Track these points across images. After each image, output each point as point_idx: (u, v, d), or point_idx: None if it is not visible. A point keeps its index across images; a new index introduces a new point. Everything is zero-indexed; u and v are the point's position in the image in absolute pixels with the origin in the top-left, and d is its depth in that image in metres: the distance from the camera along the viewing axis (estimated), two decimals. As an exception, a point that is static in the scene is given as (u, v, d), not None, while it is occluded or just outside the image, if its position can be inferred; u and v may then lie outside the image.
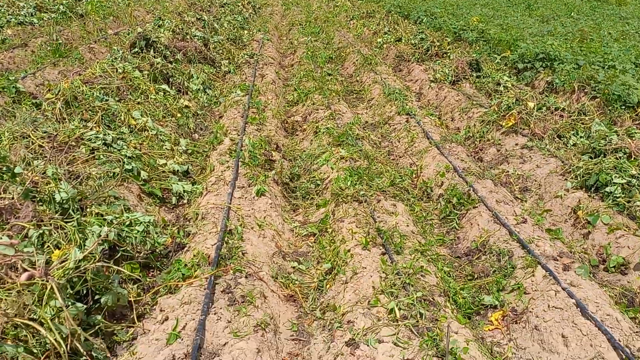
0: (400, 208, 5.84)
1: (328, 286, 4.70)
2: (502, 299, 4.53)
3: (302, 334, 4.21)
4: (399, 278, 4.28)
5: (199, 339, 3.45)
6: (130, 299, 4.21)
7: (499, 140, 7.94)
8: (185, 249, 5.02)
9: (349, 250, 4.86)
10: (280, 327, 4.19)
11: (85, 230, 4.37)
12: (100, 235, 4.28)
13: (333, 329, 4.02)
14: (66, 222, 4.35)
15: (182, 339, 3.49)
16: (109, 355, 3.76)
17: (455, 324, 3.87)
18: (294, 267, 5.10)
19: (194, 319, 3.68)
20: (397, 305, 3.89)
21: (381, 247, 4.93)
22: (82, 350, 3.40)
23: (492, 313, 4.47)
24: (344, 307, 4.18)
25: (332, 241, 5.23)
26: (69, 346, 3.31)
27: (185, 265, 4.46)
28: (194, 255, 4.61)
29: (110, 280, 4.08)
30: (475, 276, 4.94)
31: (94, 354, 3.63)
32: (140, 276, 4.56)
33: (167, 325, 3.66)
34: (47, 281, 3.41)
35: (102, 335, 3.93)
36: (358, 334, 3.71)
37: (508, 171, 7.08)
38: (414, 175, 7.12)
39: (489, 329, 4.32)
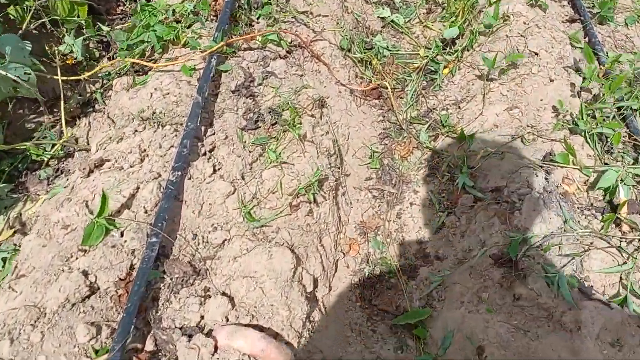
0: None
1: (446, 73, 2.41)
2: None
3: (387, 175, 2.15)
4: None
5: (157, 242, 1.45)
6: (82, 76, 2.12)
7: None
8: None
9: None
10: (347, 159, 2.12)
11: None
12: None
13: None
14: None
15: (123, 241, 1.50)
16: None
17: None
18: (382, 19, 2.70)
19: (159, 174, 1.62)
20: (622, 180, 1.68)
21: (567, 1, 2.41)
22: None
23: None
24: (485, 136, 2.00)
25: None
26: None
27: (165, 13, 2.17)
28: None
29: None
30: None
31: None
32: (84, 23, 2.35)
33: (101, 182, 1.64)
34: None
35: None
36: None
37: None
38: None
39: None
